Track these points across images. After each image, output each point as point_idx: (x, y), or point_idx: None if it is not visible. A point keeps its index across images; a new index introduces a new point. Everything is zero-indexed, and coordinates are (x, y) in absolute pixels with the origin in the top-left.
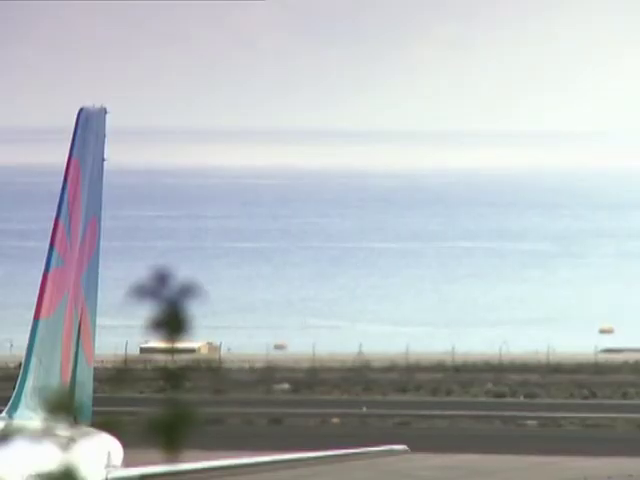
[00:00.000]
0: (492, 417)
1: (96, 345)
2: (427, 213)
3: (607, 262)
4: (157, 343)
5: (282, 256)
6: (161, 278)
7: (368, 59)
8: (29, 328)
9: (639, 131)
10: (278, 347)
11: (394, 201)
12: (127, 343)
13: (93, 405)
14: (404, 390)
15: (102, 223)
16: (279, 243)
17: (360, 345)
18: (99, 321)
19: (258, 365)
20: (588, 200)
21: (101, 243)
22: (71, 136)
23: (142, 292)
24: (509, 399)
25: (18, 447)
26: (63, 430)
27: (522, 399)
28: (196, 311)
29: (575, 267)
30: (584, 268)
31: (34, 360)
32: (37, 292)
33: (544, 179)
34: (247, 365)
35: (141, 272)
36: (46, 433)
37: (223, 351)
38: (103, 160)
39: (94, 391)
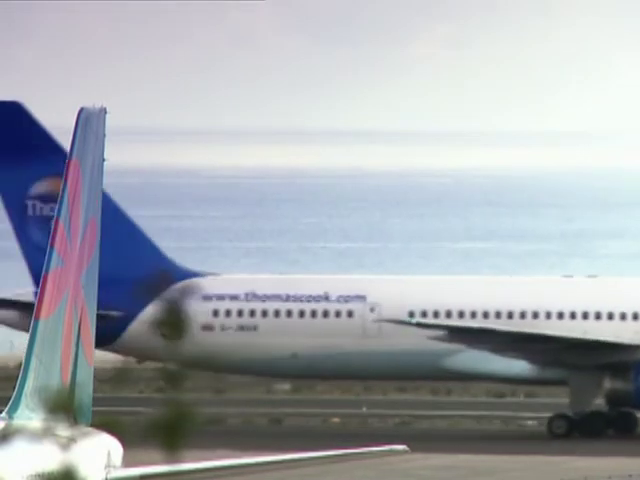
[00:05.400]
0: (492, 417)
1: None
2: (428, 213)
3: (612, 262)
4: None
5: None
6: (162, 279)
7: (368, 59)
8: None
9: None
10: None
11: (394, 201)
12: None
13: (93, 405)
14: (404, 390)
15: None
16: (284, 244)
17: None
18: None
19: None
20: (591, 200)
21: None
22: (71, 136)
23: (144, 292)
24: (509, 399)
25: (18, 447)
26: (63, 430)
27: (522, 399)
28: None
29: (579, 267)
30: (588, 267)
31: (34, 360)
32: (37, 293)
33: (545, 179)
34: None
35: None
36: (46, 433)
37: None
38: (103, 160)
39: (94, 391)
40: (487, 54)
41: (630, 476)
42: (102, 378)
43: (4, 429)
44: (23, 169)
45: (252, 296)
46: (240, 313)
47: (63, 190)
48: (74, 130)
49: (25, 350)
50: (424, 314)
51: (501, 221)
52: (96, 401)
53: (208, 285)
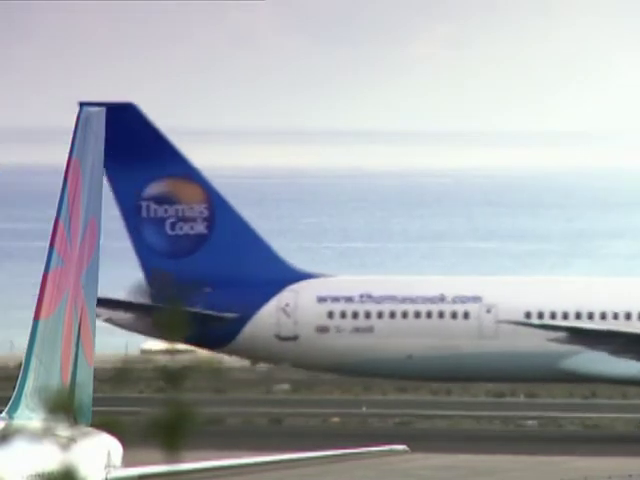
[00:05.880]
0: (492, 417)
1: (96, 345)
2: (428, 213)
3: (612, 262)
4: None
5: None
6: (162, 280)
7: (368, 59)
8: (29, 329)
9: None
10: None
11: (394, 201)
12: (127, 343)
13: (93, 405)
14: (404, 390)
15: (105, 223)
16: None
17: None
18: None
19: None
20: (591, 200)
21: (102, 243)
22: (71, 136)
23: (144, 293)
24: (509, 399)
25: (18, 447)
26: (63, 430)
27: (522, 399)
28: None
29: (580, 267)
30: (589, 268)
31: (34, 360)
32: (37, 293)
33: (545, 179)
34: None
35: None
36: (46, 433)
37: None
38: (103, 160)
39: (94, 391)
40: (487, 54)
41: (630, 476)
42: (102, 378)
43: (4, 429)
44: (137, 170)
45: (367, 297)
46: (355, 315)
47: (63, 190)
48: (74, 130)
49: (25, 350)
50: (541, 315)
51: (501, 221)
52: (96, 401)
53: (322, 286)
